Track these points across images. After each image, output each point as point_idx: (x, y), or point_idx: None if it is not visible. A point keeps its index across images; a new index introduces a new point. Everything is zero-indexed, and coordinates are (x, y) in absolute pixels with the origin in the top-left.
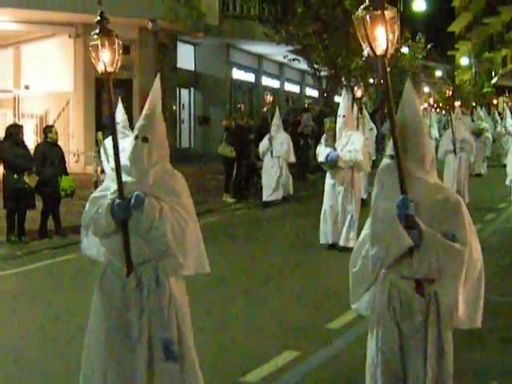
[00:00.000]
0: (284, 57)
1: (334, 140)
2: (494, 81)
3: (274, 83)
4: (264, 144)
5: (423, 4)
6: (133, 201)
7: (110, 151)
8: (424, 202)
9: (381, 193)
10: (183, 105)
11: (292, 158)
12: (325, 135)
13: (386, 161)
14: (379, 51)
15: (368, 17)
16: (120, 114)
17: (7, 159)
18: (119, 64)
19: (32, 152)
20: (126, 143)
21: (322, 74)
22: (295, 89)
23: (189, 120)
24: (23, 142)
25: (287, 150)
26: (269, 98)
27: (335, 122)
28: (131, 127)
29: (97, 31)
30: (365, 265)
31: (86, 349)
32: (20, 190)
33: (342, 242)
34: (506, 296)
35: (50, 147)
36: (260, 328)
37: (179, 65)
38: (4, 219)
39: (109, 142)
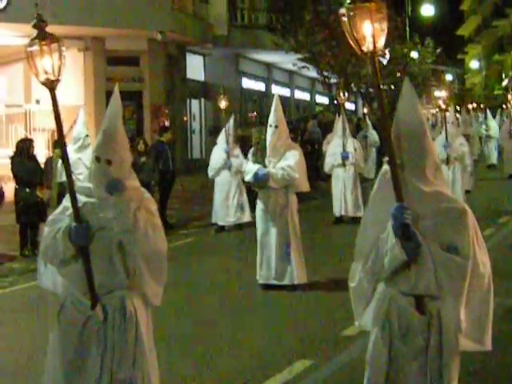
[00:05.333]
0: (293, 65)
1: (263, 154)
2: (504, 83)
3: (284, 91)
4: (219, 157)
5: (431, 8)
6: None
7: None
8: (424, 213)
9: (375, 201)
10: (194, 115)
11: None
12: (252, 149)
13: (385, 167)
14: (366, 48)
15: (352, 11)
16: (80, 126)
17: (19, 174)
18: (63, 71)
19: (43, 166)
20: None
21: (332, 81)
22: (305, 96)
23: (199, 131)
24: (34, 156)
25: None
26: (222, 100)
27: (265, 133)
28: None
29: (34, 36)
30: (362, 279)
31: None
32: (32, 204)
33: (275, 280)
34: None
35: None
36: (274, 336)
37: (189, 75)
38: (17, 233)
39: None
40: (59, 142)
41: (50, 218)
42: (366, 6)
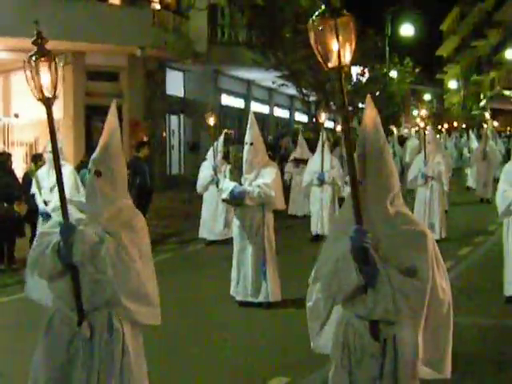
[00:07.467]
0: (273, 82)
1: (240, 172)
2: (482, 103)
3: (264, 109)
4: (206, 174)
5: (411, 28)
6: (62, 228)
7: (44, 183)
8: (384, 234)
9: (338, 222)
10: (173, 131)
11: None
12: (229, 167)
13: (347, 189)
14: (332, 63)
15: (319, 25)
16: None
17: None
18: (58, 88)
19: (20, 180)
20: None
21: (311, 99)
22: (285, 114)
23: (178, 146)
24: (12, 170)
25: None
26: (210, 117)
27: (242, 151)
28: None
29: (33, 52)
30: (319, 300)
31: None
32: (10, 219)
33: (250, 297)
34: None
35: None
36: (249, 354)
37: (168, 91)
38: None
39: (42, 173)
40: (54, 157)
41: (40, 230)
42: (333, 20)
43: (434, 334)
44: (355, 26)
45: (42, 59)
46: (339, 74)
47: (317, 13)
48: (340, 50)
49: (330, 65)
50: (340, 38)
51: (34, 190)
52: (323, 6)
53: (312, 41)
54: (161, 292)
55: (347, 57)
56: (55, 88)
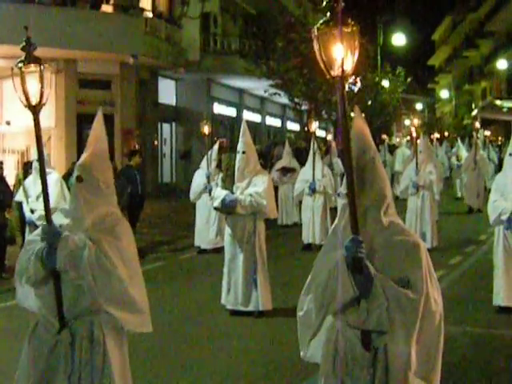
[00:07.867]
0: (265, 91)
1: (233, 181)
2: (473, 113)
3: (256, 117)
4: (200, 182)
5: (403, 38)
6: (46, 234)
7: (31, 191)
8: (379, 244)
9: (334, 233)
10: (165, 139)
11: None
12: (221, 175)
13: (341, 201)
14: (335, 72)
15: (323, 33)
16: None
17: None
18: (47, 96)
19: (12, 188)
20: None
21: (303, 108)
22: (277, 123)
23: (170, 155)
24: (4, 177)
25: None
26: (205, 126)
27: (234, 159)
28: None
29: (22, 59)
30: (311, 310)
31: None
32: (1, 226)
33: (240, 305)
34: (489, 328)
35: None
36: (239, 363)
37: (160, 100)
38: None
39: (29, 182)
40: (40, 165)
41: (29, 237)
42: (338, 29)
43: (425, 344)
44: (359, 35)
45: (30, 66)
46: (342, 82)
47: (321, 21)
48: (344, 59)
49: (333, 73)
50: (344, 47)
51: (19, 198)
52: (328, 14)
53: (316, 49)
54: (151, 300)
55: (350, 66)
56: (42, 95)
